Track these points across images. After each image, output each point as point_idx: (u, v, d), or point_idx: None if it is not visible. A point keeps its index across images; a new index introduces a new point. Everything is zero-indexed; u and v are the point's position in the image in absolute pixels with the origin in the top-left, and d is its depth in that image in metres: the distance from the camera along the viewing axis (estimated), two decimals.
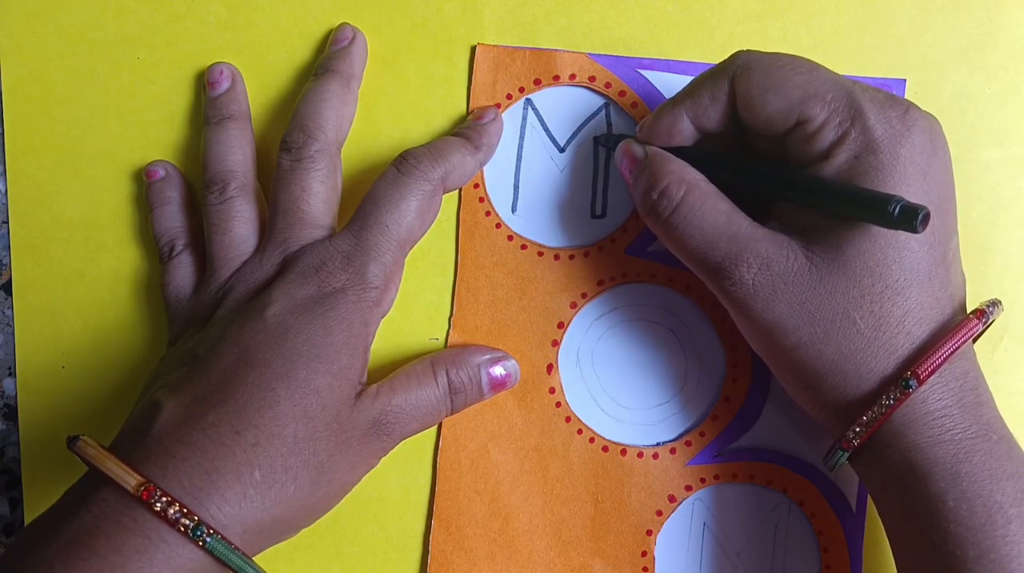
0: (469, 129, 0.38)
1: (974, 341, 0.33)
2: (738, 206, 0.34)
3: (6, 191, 0.41)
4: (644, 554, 0.40)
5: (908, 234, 0.31)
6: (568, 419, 0.40)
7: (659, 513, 0.39)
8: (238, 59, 0.40)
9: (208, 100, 0.39)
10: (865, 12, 0.39)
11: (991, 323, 0.33)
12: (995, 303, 0.33)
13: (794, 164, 0.34)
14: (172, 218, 0.39)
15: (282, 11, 0.40)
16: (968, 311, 0.33)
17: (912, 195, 0.31)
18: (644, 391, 0.40)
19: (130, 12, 0.40)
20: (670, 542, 0.40)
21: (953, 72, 0.39)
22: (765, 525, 0.39)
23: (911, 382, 0.31)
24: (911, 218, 0.29)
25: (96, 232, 0.41)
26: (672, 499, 0.39)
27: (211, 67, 0.39)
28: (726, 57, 0.35)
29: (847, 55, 0.39)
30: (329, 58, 0.39)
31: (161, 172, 0.40)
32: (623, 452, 0.40)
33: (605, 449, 0.40)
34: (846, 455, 0.33)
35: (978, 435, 0.32)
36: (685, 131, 0.35)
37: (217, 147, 0.38)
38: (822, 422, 0.34)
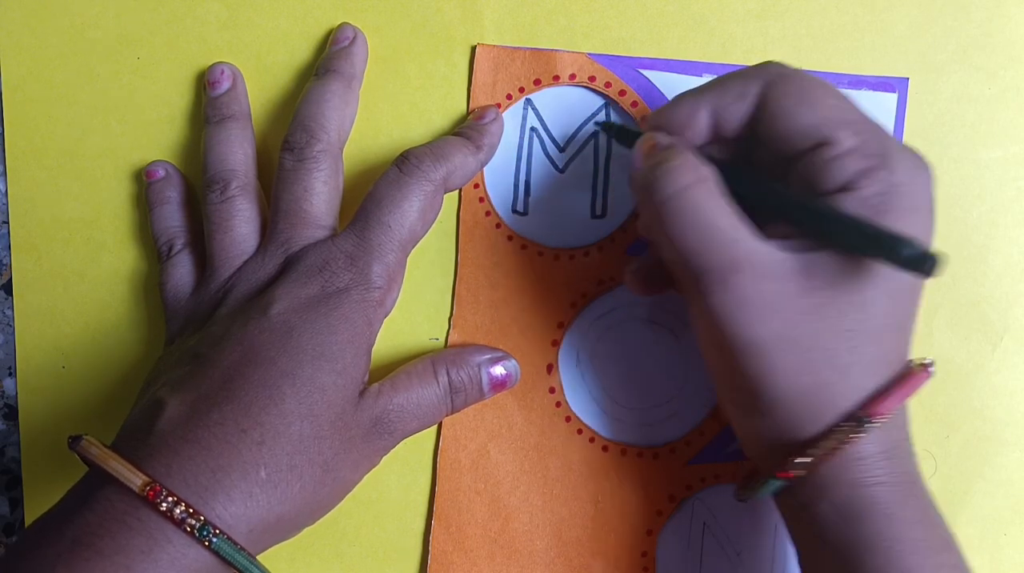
0: (470, 129, 0.38)
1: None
2: None
3: (6, 191, 0.41)
4: (644, 554, 0.40)
5: (899, 281, 0.31)
6: (568, 419, 0.40)
7: (659, 513, 0.39)
8: (238, 59, 0.40)
9: (208, 100, 0.39)
10: (865, 12, 0.39)
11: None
12: (932, 362, 0.33)
13: (799, 189, 0.33)
14: (171, 217, 0.39)
15: (282, 11, 0.40)
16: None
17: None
18: (644, 391, 0.40)
19: (130, 12, 0.40)
20: (670, 542, 0.40)
21: (953, 72, 0.39)
22: (765, 525, 0.39)
23: (866, 421, 0.31)
24: (924, 262, 0.28)
25: (96, 232, 0.41)
26: (672, 499, 0.39)
27: (211, 67, 0.39)
28: (754, 64, 0.34)
29: (847, 55, 0.39)
30: (330, 58, 0.39)
31: (161, 172, 0.40)
32: (623, 452, 0.40)
33: (605, 449, 0.40)
34: (779, 485, 0.32)
35: (913, 481, 0.32)
36: (701, 124, 0.33)
37: (218, 147, 0.38)
38: (749, 449, 0.34)
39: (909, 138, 0.39)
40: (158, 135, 0.40)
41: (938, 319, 0.39)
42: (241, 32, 0.40)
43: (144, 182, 0.40)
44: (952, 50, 0.39)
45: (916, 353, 0.39)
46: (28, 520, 0.41)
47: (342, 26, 0.39)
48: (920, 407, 0.39)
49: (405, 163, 0.36)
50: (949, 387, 0.39)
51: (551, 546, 0.40)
